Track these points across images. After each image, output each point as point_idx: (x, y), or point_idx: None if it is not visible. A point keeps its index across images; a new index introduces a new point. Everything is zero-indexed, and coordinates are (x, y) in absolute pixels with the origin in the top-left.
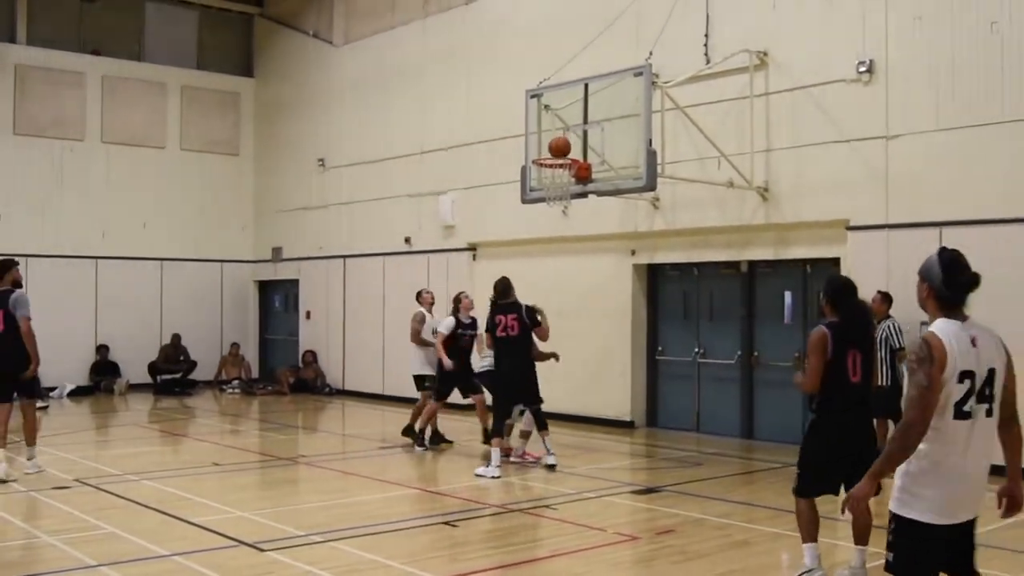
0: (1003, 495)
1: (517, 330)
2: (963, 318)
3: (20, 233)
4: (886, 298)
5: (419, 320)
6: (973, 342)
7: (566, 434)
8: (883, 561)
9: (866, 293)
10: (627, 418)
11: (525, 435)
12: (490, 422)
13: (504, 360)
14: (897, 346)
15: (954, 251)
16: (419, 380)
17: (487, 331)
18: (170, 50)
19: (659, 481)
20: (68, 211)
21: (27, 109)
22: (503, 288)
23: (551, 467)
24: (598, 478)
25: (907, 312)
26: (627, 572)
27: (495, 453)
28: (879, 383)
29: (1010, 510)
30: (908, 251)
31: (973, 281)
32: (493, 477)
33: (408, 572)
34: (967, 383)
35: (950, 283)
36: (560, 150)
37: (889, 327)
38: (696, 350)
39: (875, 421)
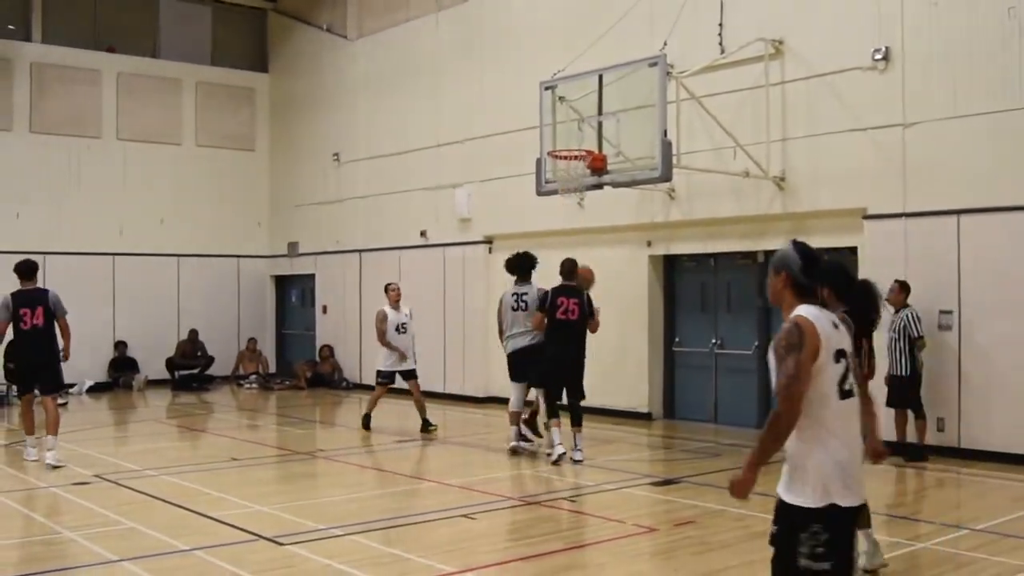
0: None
1: (576, 315)
2: (820, 304)
3: (38, 230)
4: (904, 287)
5: (382, 319)
6: (835, 324)
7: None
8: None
9: (883, 282)
10: (644, 410)
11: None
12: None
13: (555, 345)
14: (916, 335)
15: (804, 242)
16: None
17: (540, 310)
18: (184, 47)
19: (677, 472)
20: (85, 208)
21: (43, 107)
22: (569, 269)
23: (577, 462)
24: (616, 470)
25: (924, 301)
26: (647, 564)
27: (555, 433)
28: (899, 373)
29: (876, 459)
30: (925, 239)
31: (827, 269)
32: (560, 455)
33: (427, 565)
34: (843, 362)
35: (808, 271)
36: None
37: (908, 316)
38: (713, 341)
39: (894, 412)
